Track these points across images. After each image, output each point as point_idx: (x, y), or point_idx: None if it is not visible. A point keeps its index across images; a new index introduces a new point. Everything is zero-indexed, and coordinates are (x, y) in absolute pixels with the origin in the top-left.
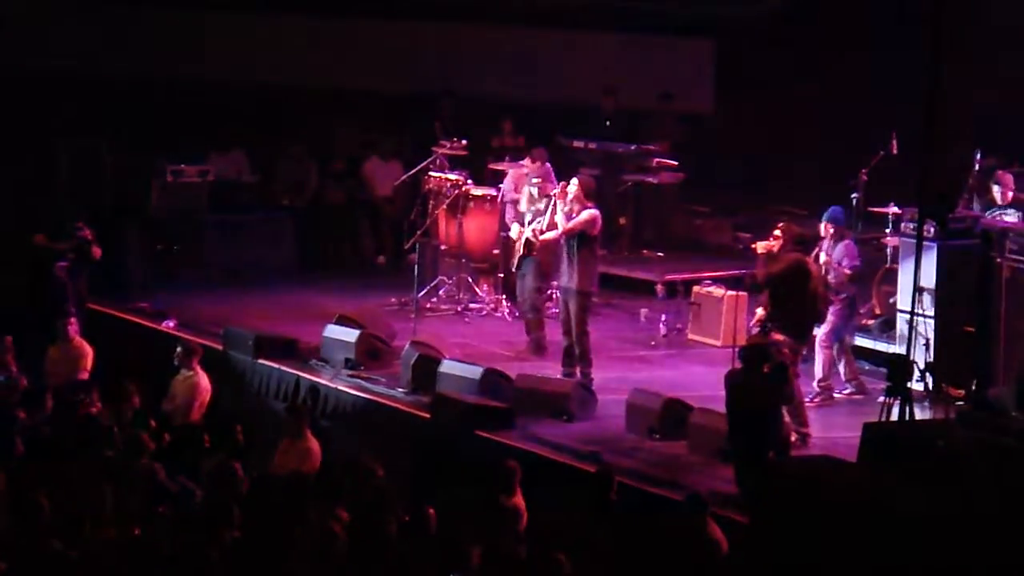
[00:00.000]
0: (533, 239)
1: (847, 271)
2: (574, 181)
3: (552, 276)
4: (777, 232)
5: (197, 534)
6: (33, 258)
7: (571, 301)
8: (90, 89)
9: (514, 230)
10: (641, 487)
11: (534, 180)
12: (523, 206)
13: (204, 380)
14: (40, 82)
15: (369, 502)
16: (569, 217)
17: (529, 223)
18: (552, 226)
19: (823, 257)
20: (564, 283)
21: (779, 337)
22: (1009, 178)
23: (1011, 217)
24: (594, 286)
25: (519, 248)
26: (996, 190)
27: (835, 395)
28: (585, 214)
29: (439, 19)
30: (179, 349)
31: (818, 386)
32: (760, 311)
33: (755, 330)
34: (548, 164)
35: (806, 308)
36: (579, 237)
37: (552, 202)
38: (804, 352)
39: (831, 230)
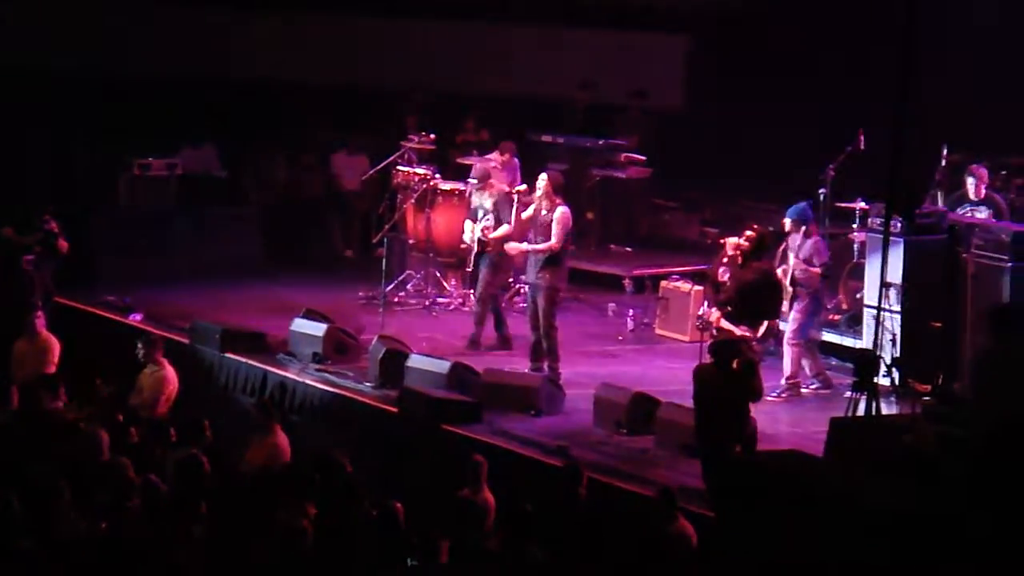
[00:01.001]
0: (483, 237)
1: (818, 269)
2: (543, 176)
3: (508, 272)
4: (750, 233)
5: (164, 529)
6: (0, 251)
7: (539, 296)
8: (61, 83)
9: (467, 227)
10: (609, 481)
11: (471, 180)
12: (473, 205)
13: (171, 373)
14: (9, 76)
15: (337, 496)
16: (538, 213)
17: (482, 219)
18: (518, 223)
19: (791, 257)
20: (532, 279)
21: (746, 332)
22: (984, 172)
23: (981, 214)
24: (562, 281)
25: (473, 246)
26: (970, 183)
27: (802, 390)
28: (558, 213)
29: (412, 15)
30: (140, 344)
31: (786, 382)
32: (713, 311)
33: (702, 326)
34: (516, 159)
35: (765, 310)
36: (549, 232)
37: (517, 198)
38: (771, 347)
39: (800, 228)
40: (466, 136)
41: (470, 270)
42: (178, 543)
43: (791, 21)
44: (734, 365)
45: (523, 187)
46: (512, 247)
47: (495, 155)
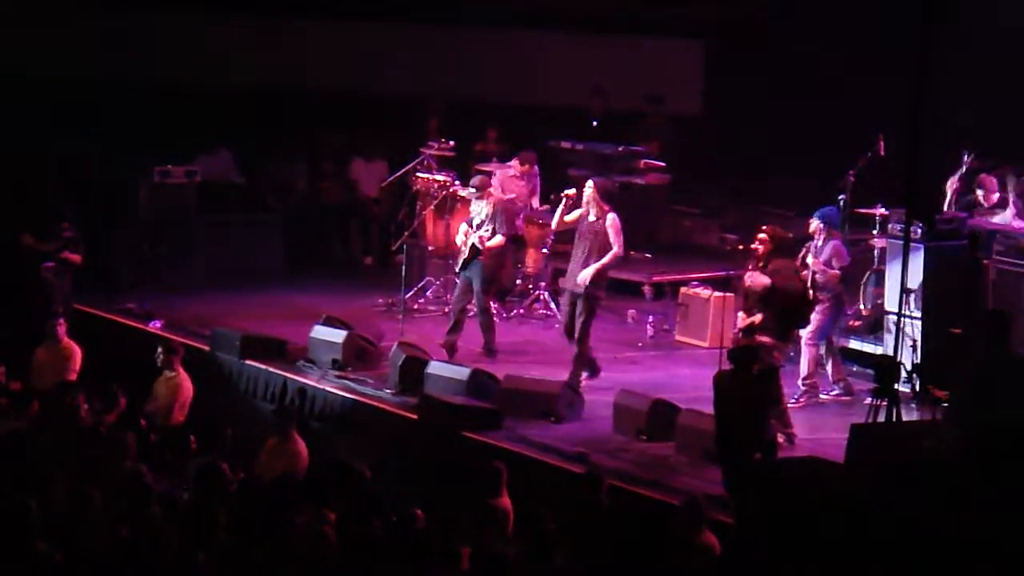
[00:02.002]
0: (479, 245)
1: (836, 272)
2: (589, 183)
3: (497, 281)
4: (762, 235)
5: (184, 536)
6: (21, 259)
7: (580, 303)
8: (79, 91)
9: (461, 231)
10: (629, 488)
11: (471, 189)
12: (472, 211)
13: (186, 381)
14: (29, 85)
15: (356, 503)
16: (584, 218)
17: (477, 227)
18: (560, 225)
19: (811, 259)
20: (573, 286)
21: (766, 339)
22: (992, 182)
23: (999, 218)
24: (603, 290)
25: (464, 250)
26: (980, 194)
27: (822, 396)
28: (611, 220)
29: (429, 22)
30: (160, 350)
31: (803, 384)
32: (743, 315)
33: (740, 335)
34: (536, 167)
35: (792, 312)
36: (599, 240)
37: (564, 201)
38: (791, 353)
39: (822, 230)
40: (486, 146)
41: (457, 271)
42: (198, 550)
43: (809, 25)
44: (754, 371)
45: (571, 191)
46: (586, 275)
47: (514, 163)
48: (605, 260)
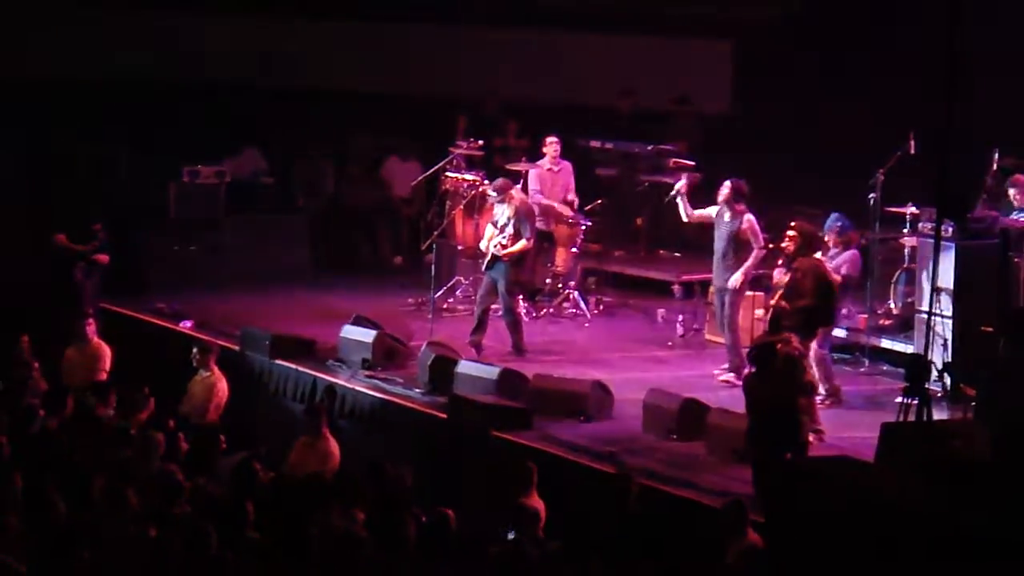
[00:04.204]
0: (497, 251)
1: (839, 278)
2: (726, 184)
3: (523, 282)
4: (791, 232)
5: (214, 535)
6: (53, 259)
7: (727, 299)
8: (108, 92)
9: (487, 234)
10: (660, 488)
11: (491, 193)
12: (495, 213)
13: (221, 381)
14: (59, 86)
15: (395, 506)
16: (720, 218)
17: (501, 229)
18: (694, 219)
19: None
20: (720, 283)
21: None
22: None
23: None
24: (746, 286)
25: (488, 251)
26: (1012, 193)
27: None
28: (747, 221)
29: (457, 22)
30: (195, 350)
31: (823, 390)
32: (760, 312)
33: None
34: (567, 162)
35: (817, 310)
36: (736, 240)
37: (680, 196)
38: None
39: (838, 239)
40: (506, 140)
41: (484, 271)
42: (228, 549)
43: (838, 22)
44: (778, 366)
45: (682, 184)
46: (736, 279)
47: (545, 160)
48: (750, 262)
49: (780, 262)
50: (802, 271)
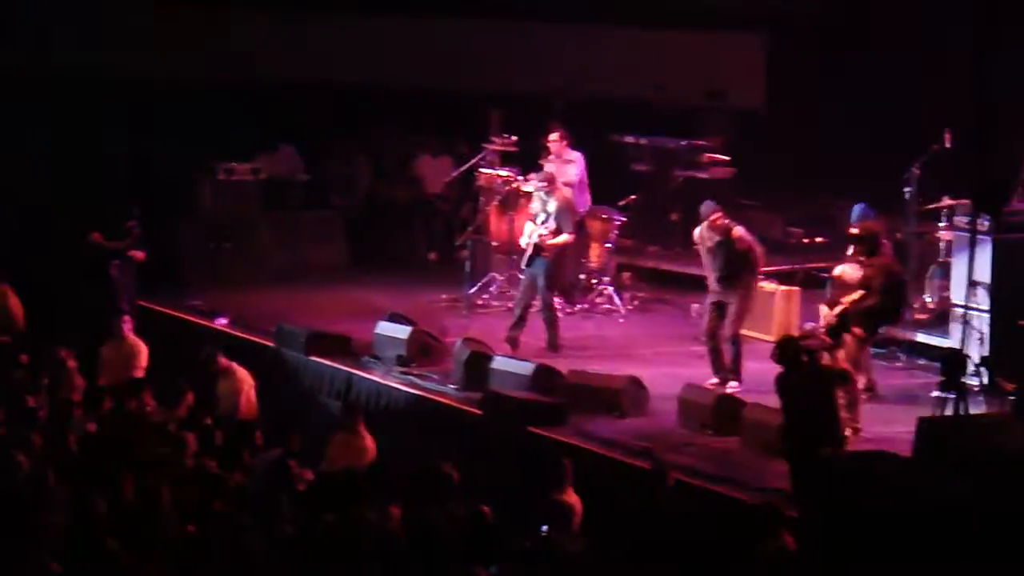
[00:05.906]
0: (540, 243)
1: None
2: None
3: (560, 278)
4: (856, 231)
5: (251, 530)
6: (89, 257)
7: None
8: (142, 89)
9: (526, 232)
10: (695, 483)
11: (538, 184)
12: (534, 207)
13: (242, 374)
14: (92, 83)
15: (425, 498)
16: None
17: (542, 223)
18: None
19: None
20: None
21: (858, 331)
22: None
23: None
24: None
25: (529, 247)
26: None
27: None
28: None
29: (489, 17)
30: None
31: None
32: (825, 308)
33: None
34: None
35: (886, 308)
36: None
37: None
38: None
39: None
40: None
41: (523, 267)
42: (265, 545)
43: (872, 18)
44: (804, 360)
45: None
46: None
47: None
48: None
49: (846, 257)
50: (874, 268)
